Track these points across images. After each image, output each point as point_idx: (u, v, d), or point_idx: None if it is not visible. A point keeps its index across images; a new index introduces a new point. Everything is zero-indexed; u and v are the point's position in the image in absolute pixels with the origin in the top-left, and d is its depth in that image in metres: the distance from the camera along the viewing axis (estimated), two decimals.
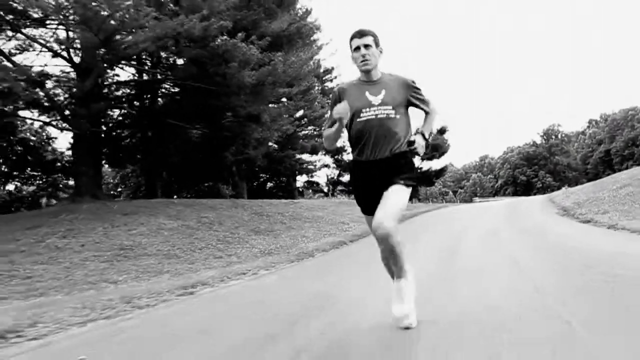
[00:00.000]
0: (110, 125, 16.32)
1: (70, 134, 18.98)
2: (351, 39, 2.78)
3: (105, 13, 9.08)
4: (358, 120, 2.76)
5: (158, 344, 3.05)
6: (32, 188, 28.63)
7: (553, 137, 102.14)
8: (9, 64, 11.43)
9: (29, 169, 23.00)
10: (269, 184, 36.47)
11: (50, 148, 22.41)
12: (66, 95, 12.17)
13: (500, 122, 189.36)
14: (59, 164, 21.26)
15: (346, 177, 36.76)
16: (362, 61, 2.74)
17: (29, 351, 2.94)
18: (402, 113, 2.79)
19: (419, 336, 2.61)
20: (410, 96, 2.83)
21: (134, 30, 9.61)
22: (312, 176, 37.36)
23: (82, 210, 13.16)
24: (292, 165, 32.15)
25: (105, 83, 15.39)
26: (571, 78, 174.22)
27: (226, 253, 9.70)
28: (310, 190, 42.26)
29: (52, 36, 12.22)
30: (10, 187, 25.22)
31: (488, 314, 2.95)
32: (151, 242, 10.34)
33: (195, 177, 27.70)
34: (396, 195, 2.67)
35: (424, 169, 36.82)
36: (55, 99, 12.26)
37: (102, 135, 16.45)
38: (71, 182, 24.78)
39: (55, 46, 12.56)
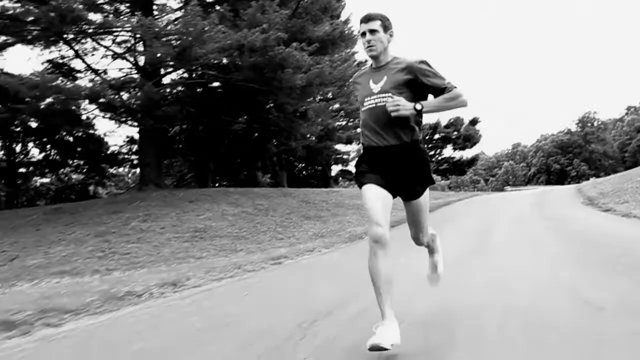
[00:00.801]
0: (168, 121, 18.05)
1: (125, 129, 20.89)
2: (360, 23, 2.68)
3: (183, 31, 10.68)
4: (362, 109, 2.71)
5: (282, 290, 4.58)
6: (80, 177, 30.97)
7: (589, 124, 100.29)
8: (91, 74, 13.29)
9: (85, 159, 25.04)
10: (305, 173, 38.12)
11: (107, 141, 24.50)
12: (133, 96, 13.82)
13: (534, 109, 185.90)
14: (121, 156, 23.22)
15: None
16: (367, 47, 2.64)
17: (203, 292, 4.51)
18: (405, 99, 2.55)
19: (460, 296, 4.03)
20: (416, 77, 2.60)
21: (205, 43, 11.18)
22: (346, 165, 38.74)
23: (152, 198, 14.99)
24: (329, 155, 33.68)
25: (162, 83, 17.15)
26: (609, 63, 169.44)
27: (286, 235, 11.29)
28: (341, 179, 43.71)
29: (124, 47, 14.01)
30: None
31: (515, 280, 4.36)
32: (219, 225, 12.02)
33: (239, 166, 29.48)
34: (425, 208, 2.77)
35: (456, 158, 37.77)
36: (127, 100, 13.95)
37: (162, 130, 18.28)
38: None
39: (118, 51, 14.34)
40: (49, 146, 24.77)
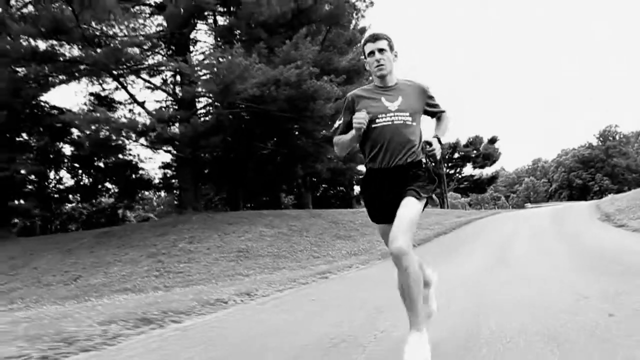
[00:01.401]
0: (208, 149, 19.33)
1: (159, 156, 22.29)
2: (364, 43, 2.73)
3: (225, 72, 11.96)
4: (374, 126, 2.67)
5: (339, 296, 5.57)
6: (109, 201, 32.39)
7: (610, 138, 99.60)
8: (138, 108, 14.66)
9: (121, 185, 26.42)
10: (328, 194, 39.19)
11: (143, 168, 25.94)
12: (182, 129, 15.11)
13: (554, 124, 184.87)
14: (157, 181, 24.58)
15: None
16: (377, 66, 2.65)
17: (274, 299, 5.52)
18: (417, 120, 2.72)
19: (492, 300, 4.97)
20: (426, 104, 2.79)
21: (246, 79, 12.41)
22: None
23: (193, 221, 16.16)
24: (352, 176, 34.73)
25: (199, 113, 18.49)
26: (630, 76, 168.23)
27: (321, 254, 12.29)
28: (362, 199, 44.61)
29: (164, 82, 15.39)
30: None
31: (530, 281, 5.28)
32: (259, 245, 13.08)
33: (264, 188, 30.68)
34: (409, 209, 2.53)
35: (476, 176, 38.44)
36: (169, 131, 15.23)
37: (197, 157, 19.56)
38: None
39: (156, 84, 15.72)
40: (84, 173, 26.34)
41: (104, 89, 22.00)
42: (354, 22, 18.60)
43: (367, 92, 2.76)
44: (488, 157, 36.71)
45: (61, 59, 13.97)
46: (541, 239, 10.36)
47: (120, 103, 22.17)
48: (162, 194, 40.06)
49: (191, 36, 17.80)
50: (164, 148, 16.52)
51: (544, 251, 8.09)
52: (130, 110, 22.53)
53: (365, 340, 3.15)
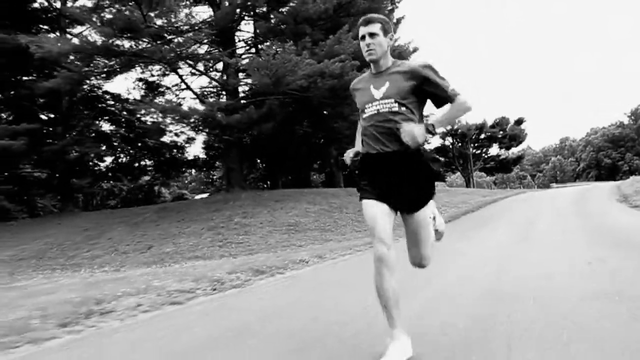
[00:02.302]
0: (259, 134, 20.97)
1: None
2: (358, 26, 2.59)
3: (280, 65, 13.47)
4: (363, 117, 2.61)
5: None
6: (146, 178, 34.29)
7: None
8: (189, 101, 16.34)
9: (168, 164, 28.30)
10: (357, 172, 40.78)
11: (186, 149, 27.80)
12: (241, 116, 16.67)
13: (583, 102, 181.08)
14: (201, 161, 26.46)
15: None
16: (366, 51, 2.54)
17: (343, 262, 7.12)
18: (409, 105, 2.49)
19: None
20: (421, 83, 2.49)
21: (295, 72, 13.90)
22: None
23: (242, 199, 17.91)
24: None
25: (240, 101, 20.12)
26: None
27: (362, 228, 13.85)
28: None
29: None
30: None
31: (543, 251, 6.75)
32: (306, 220, 14.73)
33: (298, 167, 32.35)
34: (425, 221, 2.61)
35: (502, 156, 39.34)
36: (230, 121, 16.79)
37: (242, 139, 21.23)
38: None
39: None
40: (131, 152, 28.28)
41: (152, 75, 23.83)
42: (388, 13, 19.75)
43: (362, 81, 2.69)
44: (514, 138, 37.54)
45: (128, 53, 15.63)
46: (560, 217, 11.71)
47: (168, 88, 23.97)
48: (193, 172, 42.01)
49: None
50: (214, 131, 18.15)
51: (561, 228, 9.49)
52: (175, 95, 24.40)
53: (418, 286, 4.65)
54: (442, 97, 2.48)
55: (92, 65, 16.25)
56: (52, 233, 17.65)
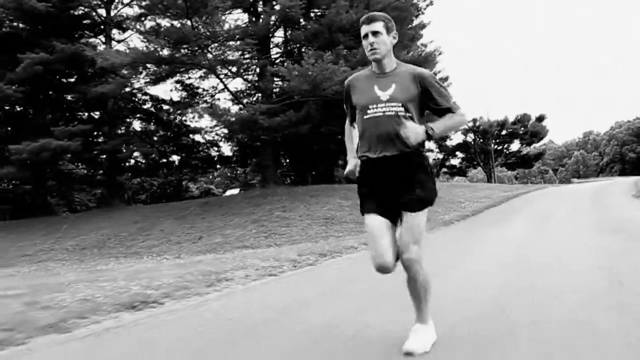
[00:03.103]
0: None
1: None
2: (360, 25, 2.52)
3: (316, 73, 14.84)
4: (365, 117, 2.52)
5: (431, 247, 8.46)
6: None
7: None
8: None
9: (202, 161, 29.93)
10: None
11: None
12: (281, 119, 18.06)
13: (607, 95, 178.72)
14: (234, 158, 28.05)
15: (452, 161, 41.14)
16: (370, 50, 2.48)
17: None
18: (414, 111, 2.48)
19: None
20: (426, 91, 2.49)
21: (332, 79, 15.24)
22: None
23: (279, 194, 19.34)
24: None
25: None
26: None
27: None
28: None
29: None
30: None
31: (556, 239, 7.99)
32: (341, 214, 16.08)
33: (323, 163, 33.72)
34: (418, 224, 2.48)
35: (523, 152, 40.18)
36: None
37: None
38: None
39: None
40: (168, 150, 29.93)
41: (189, 78, 25.41)
42: (415, 20, 20.95)
43: (362, 79, 2.62)
44: (535, 134, 38.36)
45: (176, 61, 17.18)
46: (575, 211, 12.87)
47: (205, 90, 25.52)
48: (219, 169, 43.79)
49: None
50: (254, 133, 19.62)
51: (575, 220, 10.67)
52: (211, 96, 25.98)
53: (459, 259, 5.96)
54: (443, 107, 2.52)
55: (141, 72, 17.85)
56: (106, 225, 19.35)
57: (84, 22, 25.13)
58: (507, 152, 41.36)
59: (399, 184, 2.48)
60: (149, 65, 17.72)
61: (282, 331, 3.02)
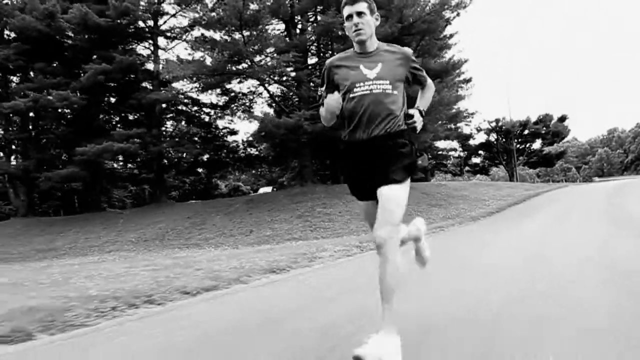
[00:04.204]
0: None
1: None
2: (343, 6, 2.51)
3: None
4: (351, 96, 2.49)
5: (468, 236, 10.10)
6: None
7: None
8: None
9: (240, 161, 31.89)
10: None
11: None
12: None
13: (632, 91, 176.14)
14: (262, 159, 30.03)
15: (474, 160, 42.42)
16: (355, 31, 2.46)
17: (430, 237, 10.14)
18: (399, 89, 2.53)
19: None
20: (410, 71, 2.59)
21: None
22: (444, 160, 43.49)
23: (317, 192, 21.13)
24: (427, 150, 38.87)
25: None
26: None
27: (424, 217, 16.73)
28: (436, 171, 48.52)
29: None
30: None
31: (570, 231, 9.60)
32: None
33: None
34: (395, 197, 2.41)
35: (545, 151, 41.31)
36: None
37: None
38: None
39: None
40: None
41: (229, 83, 27.33)
42: (443, 31, 22.51)
43: (346, 60, 2.58)
44: (557, 134, 39.46)
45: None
46: (591, 208, 14.36)
47: (244, 94, 27.43)
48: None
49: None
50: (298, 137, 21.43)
51: (589, 216, 12.20)
52: (250, 100, 27.93)
53: (488, 240, 7.59)
54: (421, 81, 2.72)
55: (196, 81, 19.84)
56: (160, 220, 21.39)
57: (132, 31, 27.25)
58: (529, 151, 42.48)
59: (381, 162, 2.47)
60: (202, 76, 19.64)
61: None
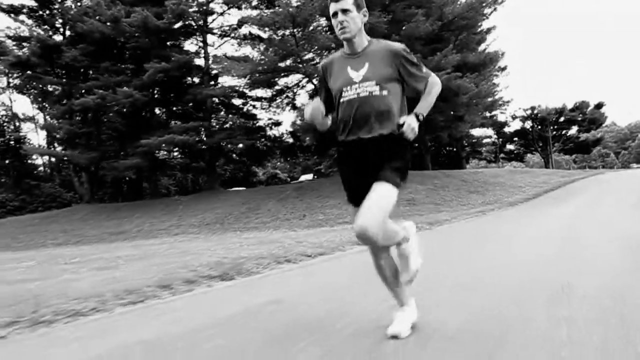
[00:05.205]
0: None
1: None
2: (329, 3, 2.39)
3: None
4: (341, 101, 2.43)
5: (512, 219, 11.48)
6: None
7: None
8: None
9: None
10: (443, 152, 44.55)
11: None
12: None
13: None
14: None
15: (509, 147, 43.08)
16: (340, 29, 2.36)
17: (468, 222, 11.56)
18: (391, 89, 2.37)
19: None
20: (401, 68, 2.38)
21: None
22: (478, 147, 44.28)
23: None
24: (462, 138, 39.79)
25: None
26: None
27: (465, 203, 18.10)
28: (471, 158, 49.26)
29: None
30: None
31: (598, 215, 10.85)
32: (419, 197, 19.19)
33: None
34: (381, 194, 2.30)
35: (581, 138, 41.64)
36: None
37: None
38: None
39: None
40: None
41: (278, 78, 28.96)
42: (481, 25, 23.53)
43: (337, 61, 2.51)
44: (594, 121, 39.74)
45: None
46: (623, 195, 15.43)
47: (289, 87, 29.00)
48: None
49: None
50: None
51: (620, 203, 13.34)
52: (293, 92, 29.53)
53: (524, 221, 8.98)
54: (419, 80, 2.42)
55: (250, 79, 21.59)
56: (217, 206, 23.30)
57: (182, 30, 29.14)
58: (565, 138, 42.84)
59: (376, 164, 2.38)
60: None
61: (462, 257, 6.28)
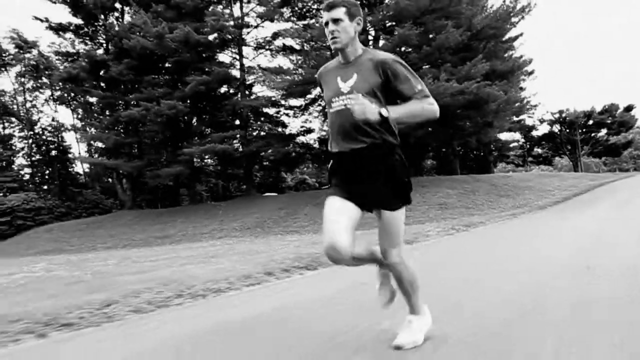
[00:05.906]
0: None
1: None
2: (323, 11, 2.40)
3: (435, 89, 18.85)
4: (330, 111, 2.44)
5: (545, 221, 12.27)
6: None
7: None
8: None
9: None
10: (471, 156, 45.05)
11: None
12: None
13: None
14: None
15: (537, 150, 43.31)
16: (331, 39, 2.35)
17: (504, 224, 12.39)
18: (381, 100, 2.31)
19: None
20: (387, 77, 2.31)
21: (443, 93, 19.16)
22: (506, 151, 44.60)
23: None
24: (490, 143, 40.26)
25: None
26: None
27: (495, 207, 18.83)
28: (498, 162, 49.53)
29: None
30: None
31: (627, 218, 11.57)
32: (450, 201, 20.00)
33: (419, 158, 37.45)
34: (390, 222, 2.43)
35: (610, 141, 41.62)
36: None
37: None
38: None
39: None
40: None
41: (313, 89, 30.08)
42: (509, 33, 24.23)
43: (329, 71, 2.52)
44: (623, 124, 39.76)
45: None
46: None
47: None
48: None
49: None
50: None
51: None
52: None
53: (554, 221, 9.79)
54: (407, 94, 2.31)
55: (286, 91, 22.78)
56: (255, 211, 24.48)
57: (219, 42, 30.53)
58: (594, 141, 42.86)
59: (369, 177, 2.37)
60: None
61: (485, 251, 7.21)
